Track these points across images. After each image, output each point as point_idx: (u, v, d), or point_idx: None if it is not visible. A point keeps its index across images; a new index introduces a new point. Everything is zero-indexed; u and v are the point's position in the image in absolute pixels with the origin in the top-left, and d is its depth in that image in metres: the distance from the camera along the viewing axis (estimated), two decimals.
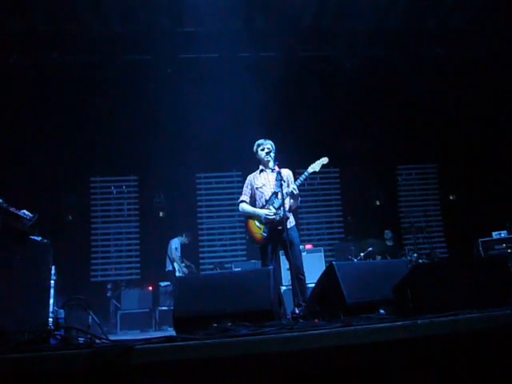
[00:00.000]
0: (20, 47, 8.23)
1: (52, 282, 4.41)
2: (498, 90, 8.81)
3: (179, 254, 8.57)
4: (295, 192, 4.81)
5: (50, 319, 4.03)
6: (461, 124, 9.54)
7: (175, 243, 8.65)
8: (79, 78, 8.41)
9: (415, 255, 7.79)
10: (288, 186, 4.92)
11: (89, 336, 2.32)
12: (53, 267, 4.34)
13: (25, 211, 3.58)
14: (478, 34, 8.70)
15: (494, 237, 7.61)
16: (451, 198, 10.28)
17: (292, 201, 4.94)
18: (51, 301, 4.25)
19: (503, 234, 7.59)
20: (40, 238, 3.77)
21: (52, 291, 4.39)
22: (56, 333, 2.48)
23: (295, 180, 5.05)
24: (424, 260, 7.84)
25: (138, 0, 7.63)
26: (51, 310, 4.14)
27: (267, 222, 4.84)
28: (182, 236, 8.82)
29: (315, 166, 5.05)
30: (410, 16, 8.43)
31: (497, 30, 8.56)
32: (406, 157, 10.28)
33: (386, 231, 9.10)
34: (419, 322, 2.21)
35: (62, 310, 4.67)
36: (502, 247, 7.46)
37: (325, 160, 5.09)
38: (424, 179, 10.61)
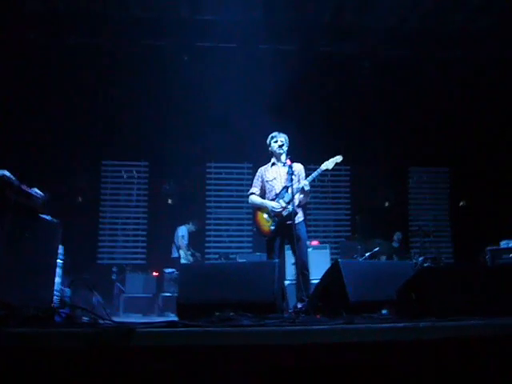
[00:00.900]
0: (38, 27, 8.23)
1: (60, 261, 4.45)
2: None
3: (186, 242, 8.61)
4: (306, 188, 4.79)
5: (56, 297, 4.07)
6: (476, 128, 9.43)
7: (182, 231, 8.69)
8: (94, 61, 8.41)
9: (420, 258, 7.74)
10: (299, 181, 4.90)
11: (92, 316, 2.35)
12: (61, 247, 4.38)
13: (36, 189, 3.61)
14: (499, 37, 8.57)
15: (502, 246, 7.53)
16: (461, 204, 10.20)
17: (302, 196, 4.92)
18: (59, 280, 4.29)
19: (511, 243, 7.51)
20: (50, 217, 3.80)
21: (60, 271, 4.43)
22: (61, 310, 2.51)
23: (307, 176, 4.99)
24: (429, 264, 7.80)
25: None
26: (58, 288, 4.18)
27: (274, 215, 4.84)
28: (189, 224, 8.84)
29: (328, 164, 4.97)
30: (431, 17, 8.33)
31: None
32: (418, 159, 10.20)
33: (396, 232, 9.10)
34: (421, 324, 2.20)
35: (68, 289, 4.72)
36: (510, 257, 7.38)
37: (339, 158, 5.00)
38: (435, 182, 10.54)
